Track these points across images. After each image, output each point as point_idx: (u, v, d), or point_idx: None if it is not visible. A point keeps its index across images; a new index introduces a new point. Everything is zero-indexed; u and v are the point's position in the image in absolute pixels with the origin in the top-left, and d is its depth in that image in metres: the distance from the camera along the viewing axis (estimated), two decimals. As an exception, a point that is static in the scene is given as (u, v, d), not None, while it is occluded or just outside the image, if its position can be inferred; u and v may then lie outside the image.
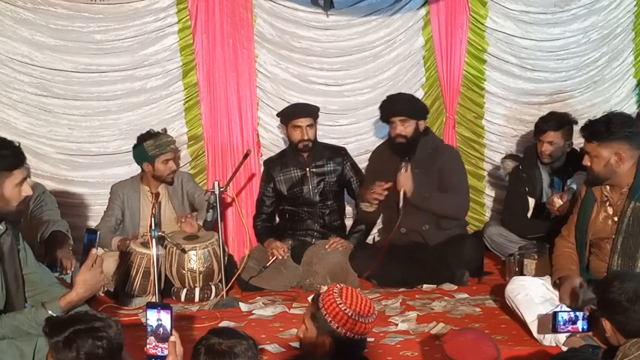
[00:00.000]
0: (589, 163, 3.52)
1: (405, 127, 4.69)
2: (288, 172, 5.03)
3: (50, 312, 2.83)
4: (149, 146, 4.68)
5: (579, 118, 5.25)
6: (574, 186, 4.55)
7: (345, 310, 2.69)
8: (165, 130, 4.85)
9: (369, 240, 5.27)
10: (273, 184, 5.06)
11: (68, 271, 4.03)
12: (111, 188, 4.91)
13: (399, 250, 4.74)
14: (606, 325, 2.77)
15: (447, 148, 5.10)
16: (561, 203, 4.45)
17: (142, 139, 4.74)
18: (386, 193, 4.66)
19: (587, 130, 3.51)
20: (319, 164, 5.02)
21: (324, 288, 4.53)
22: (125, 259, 4.51)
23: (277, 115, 5.07)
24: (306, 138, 4.89)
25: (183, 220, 4.72)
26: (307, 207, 5.02)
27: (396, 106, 4.74)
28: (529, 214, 4.94)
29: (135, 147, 4.79)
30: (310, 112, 4.96)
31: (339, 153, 5.10)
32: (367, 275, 4.78)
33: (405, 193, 4.60)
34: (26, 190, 2.91)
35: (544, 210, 4.85)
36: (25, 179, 2.89)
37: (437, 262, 4.68)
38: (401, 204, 4.63)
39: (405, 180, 4.60)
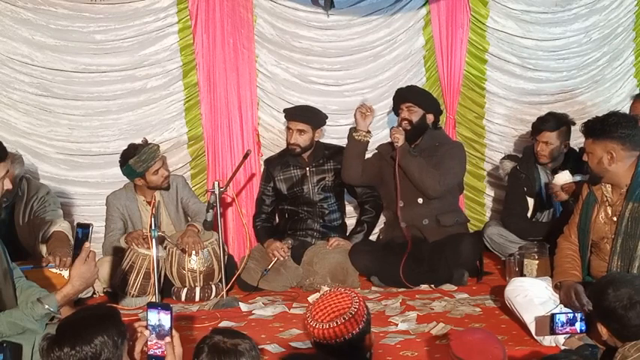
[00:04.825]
0: (587, 159, 3.58)
1: (410, 114, 4.81)
2: (288, 171, 5.02)
3: (47, 306, 2.84)
4: (135, 163, 4.61)
5: (580, 118, 5.25)
6: (578, 177, 4.48)
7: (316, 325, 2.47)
8: (145, 140, 4.77)
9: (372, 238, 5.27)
10: (272, 183, 5.06)
11: (63, 269, 4.01)
12: (106, 200, 4.83)
13: (397, 247, 4.75)
14: (602, 329, 2.75)
15: (453, 142, 5.17)
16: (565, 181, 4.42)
17: (126, 157, 4.64)
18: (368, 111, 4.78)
19: (584, 126, 3.59)
20: (319, 163, 5.01)
21: (324, 288, 4.59)
22: (126, 258, 4.52)
23: (283, 111, 5.07)
24: (292, 142, 4.90)
25: None
26: (307, 206, 5.01)
27: (404, 94, 4.92)
28: (529, 214, 4.94)
29: (122, 166, 4.69)
30: (305, 118, 4.91)
31: (340, 152, 5.09)
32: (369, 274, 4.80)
33: (396, 150, 4.70)
34: (7, 184, 2.91)
35: (543, 210, 4.85)
36: (6, 174, 2.88)
37: (434, 260, 4.69)
38: (397, 171, 4.72)
39: (397, 132, 4.73)
